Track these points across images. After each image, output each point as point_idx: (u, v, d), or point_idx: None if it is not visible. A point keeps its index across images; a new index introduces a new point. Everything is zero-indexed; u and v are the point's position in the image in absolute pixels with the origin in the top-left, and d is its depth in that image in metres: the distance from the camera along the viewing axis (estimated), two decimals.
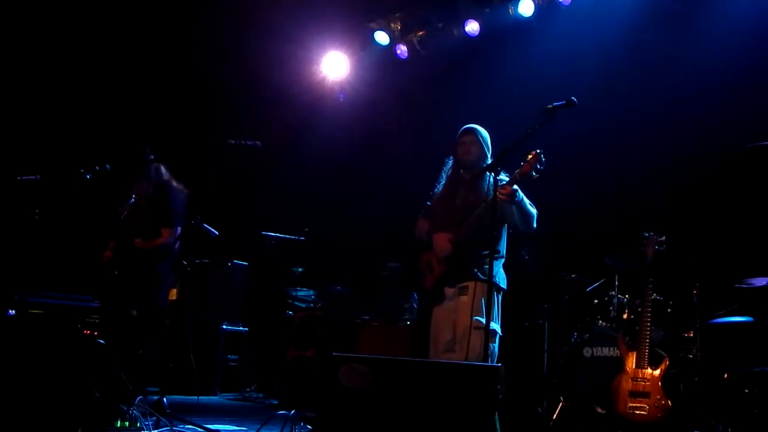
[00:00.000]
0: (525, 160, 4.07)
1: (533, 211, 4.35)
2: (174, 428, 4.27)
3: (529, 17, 7.02)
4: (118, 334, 5.03)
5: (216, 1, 7.76)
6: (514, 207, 4.23)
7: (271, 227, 7.43)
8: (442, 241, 4.39)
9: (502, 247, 4.46)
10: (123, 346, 4.98)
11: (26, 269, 5.64)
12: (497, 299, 4.34)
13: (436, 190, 4.64)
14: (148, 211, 5.10)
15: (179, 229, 5.14)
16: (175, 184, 5.25)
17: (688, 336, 5.32)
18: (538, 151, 4.05)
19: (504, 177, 4.21)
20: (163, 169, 5.23)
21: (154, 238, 5.06)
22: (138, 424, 3.90)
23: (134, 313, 5.04)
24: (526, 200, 4.30)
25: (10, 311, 5.31)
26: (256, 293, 8.08)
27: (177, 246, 5.16)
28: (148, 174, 5.15)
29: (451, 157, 4.63)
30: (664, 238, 4.97)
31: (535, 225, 4.38)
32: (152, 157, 5.19)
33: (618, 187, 6.45)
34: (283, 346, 6.72)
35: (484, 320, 3.99)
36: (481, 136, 4.54)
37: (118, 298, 5.11)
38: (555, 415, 5.47)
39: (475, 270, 4.30)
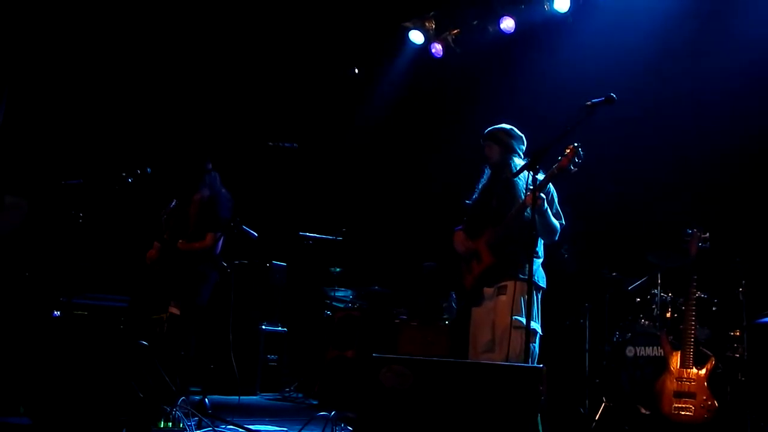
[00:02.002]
0: (563, 155, 4.01)
1: (556, 225, 4.28)
2: (216, 428, 4.32)
3: (565, 13, 6.93)
4: (160, 334, 5.15)
5: (251, 3, 7.83)
6: (536, 215, 4.15)
7: (309, 228, 7.47)
8: (459, 240, 4.43)
9: (540, 245, 4.41)
10: (165, 346, 5.10)
11: (70, 272, 5.76)
12: (537, 298, 4.29)
13: (474, 195, 4.61)
14: (199, 216, 5.29)
15: (221, 235, 5.36)
16: (224, 191, 5.45)
17: (734, 335, 5.20)
18: (575, 144, 3.99)
19: (540, 177, 4.15)
20: (218, 179, 5.46)
21: (197, 240, 5.24)
22: (181, 425, 3.95)
23: (177, 312, 5.18)
24: (550, 213, 4.24)
25: (56, 313, 5.42)
26: (295, 293, 8.14)
27: (218, 250, 5.34)
28: (206, 182, 5.38)
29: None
30: (708, 234, 4.86)
31: (556, 239, 4.33)
32: (211, 167, 5.42)
33: (660, 183, 6.33)
34: (323, 346, 6.75)
35: (523, 320, 3.96)
36: (497, 136, 4.49)
37: (160, 298, 5.24)
38: (598, 416, 5.39)
39: (514, 269, 4.25)
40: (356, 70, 8.57)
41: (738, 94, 5.92)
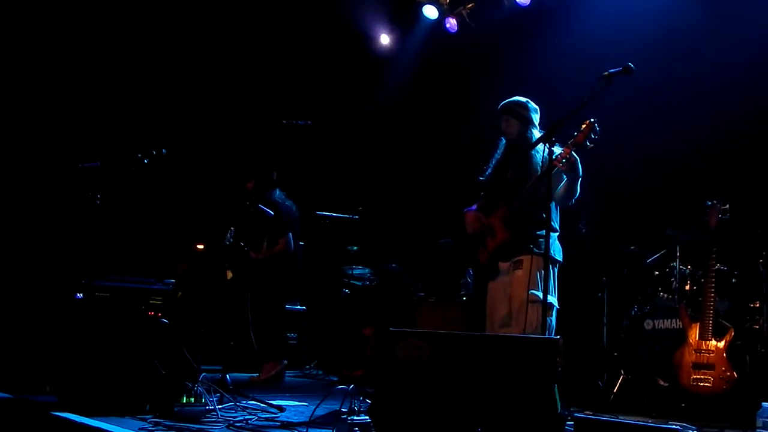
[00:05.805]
0: (579, 130, 3.97)
1: (578, 189, 4.26)
2: (237, 404, 4.37)
3: None
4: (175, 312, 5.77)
5: None
6: (565, 178, 4.11)
7: (325, 207, 7.48)
8: (470, 219, 4.42)
9: (556, 219, 4.38)
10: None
11: (91, 254, 5.83)
12: (553, 272, 4.27)
13: (487, 170, 4.58)
14: (262, 229, 6.16)
15: (290, 235, 6.30)
16: (284, 202, 6.33)
17: (754, 306, 5.17)
18: (592, 120, 3.94)
19: (556, 149, 4.12)
20: (277, 191, 6.32)
21: (272, 247, 6.21)
22: (203, 400, 4.00)
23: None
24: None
25: (78, 295, 5.50)
26: (313, 272, 8.17)
27: (292, 247, 6.33)
28: (266, 196, 6.12)
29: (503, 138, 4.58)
30: (727, 206, 4.82)
31: (570, 204, 4.30)
32: (275, 179, 6.29)
33: (678, 155, 6.26)
34: (341, 324, 6.79)
35: (540, 294, 3.96)
36: (516, 111, 4.43)
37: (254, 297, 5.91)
38: (616, 389, 5.40)
39: (530, 244, 4.24)
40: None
41: (758, 64, 5.82)
